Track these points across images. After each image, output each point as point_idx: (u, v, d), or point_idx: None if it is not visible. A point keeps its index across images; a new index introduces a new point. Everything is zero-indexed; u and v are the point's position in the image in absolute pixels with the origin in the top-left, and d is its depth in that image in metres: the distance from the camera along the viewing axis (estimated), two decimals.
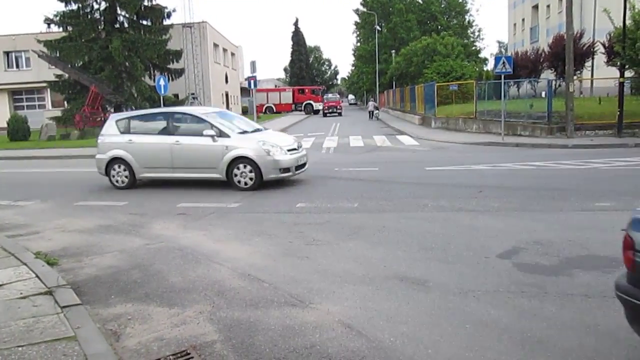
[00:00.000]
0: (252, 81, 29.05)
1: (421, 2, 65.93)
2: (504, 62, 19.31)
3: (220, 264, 6.12)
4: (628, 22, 17.95)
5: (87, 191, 11.99)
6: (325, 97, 59.81)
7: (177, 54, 38.99)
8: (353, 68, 79.02)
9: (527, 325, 4.17)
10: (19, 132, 30.55)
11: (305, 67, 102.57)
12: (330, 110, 53.81)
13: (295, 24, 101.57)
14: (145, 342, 4.18)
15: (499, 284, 5.07)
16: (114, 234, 7.80)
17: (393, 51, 57.22)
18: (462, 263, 5.75)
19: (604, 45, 24.51)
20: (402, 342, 3.98)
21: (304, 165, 11.64)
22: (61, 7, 38.25)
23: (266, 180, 10.83)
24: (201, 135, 10.97)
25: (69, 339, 4.04)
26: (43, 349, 3.88)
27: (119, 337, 4.30)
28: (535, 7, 43.97)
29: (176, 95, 40.32)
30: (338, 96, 63.39)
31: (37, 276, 5.54)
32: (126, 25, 37.86)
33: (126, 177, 11.72)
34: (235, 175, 10.80)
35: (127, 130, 11.89)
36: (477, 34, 66.86)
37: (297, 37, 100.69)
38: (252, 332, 4.25)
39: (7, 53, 46.05)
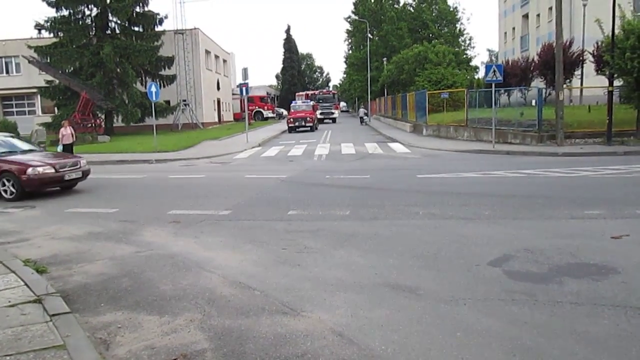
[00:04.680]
0: (243, 88, 29.14)
1: (412, 10, 66.38)
2: (494, 71, 19.46)
3: (211, 271, 6.09)
4: (617, 31, 18.17)
5: (77, 198, 11.91)
6: (292, 103, 43.69)
7: (169, 61, 38.98)
8: (345, 75, 79.25)
9: (517, 333, 4.19)
10: None
11: (297, 74, 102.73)
12: (297, 124, 36.95)
13: (287, 31, 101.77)
14: (136, 350, 4.15)
15: (489, 292, 5.09)
16: (105, 241, 7.75)
17: (384, 59, 57.50)
18: (453, 271, 5.77)
19: (592, 54, 24.77)
20: (393, 350, 3.98)
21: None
22: (52, 12, 38.22)
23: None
24: None
25: (58, 347, 4.01)
26: (31, 358, 3.85)
27: (108, 346, 4.26)
28: (526, 16, 44.43)
29: (167, 102, 40.23)
30: (311, 102, 44.49)
31: (26, 284, 5.50)
32: (118, 31, 37.85)
33: None
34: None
35: None
36: (468, 42, 67.29)
37: (289, 44, 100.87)
38: (243, 341, 4.23)
39: None
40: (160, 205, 10.41)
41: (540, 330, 4.21)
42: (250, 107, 63.73)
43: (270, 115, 64.38)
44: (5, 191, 12.02)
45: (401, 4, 67.17)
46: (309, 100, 47.08)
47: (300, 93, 71.29)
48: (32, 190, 12.12)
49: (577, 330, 4.20)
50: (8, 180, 11.96)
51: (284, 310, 4.85)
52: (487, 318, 4.49)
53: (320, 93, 58.27)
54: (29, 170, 11.87)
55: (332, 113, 50.19)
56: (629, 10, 19.16)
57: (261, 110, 64.01)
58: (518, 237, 7.02)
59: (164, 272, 6.13)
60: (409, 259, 6.29)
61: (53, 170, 12.21)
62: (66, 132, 22.65)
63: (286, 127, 38.12)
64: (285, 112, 63.78)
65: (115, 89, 36.85)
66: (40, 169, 12.00)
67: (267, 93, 76.01)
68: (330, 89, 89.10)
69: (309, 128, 36.97)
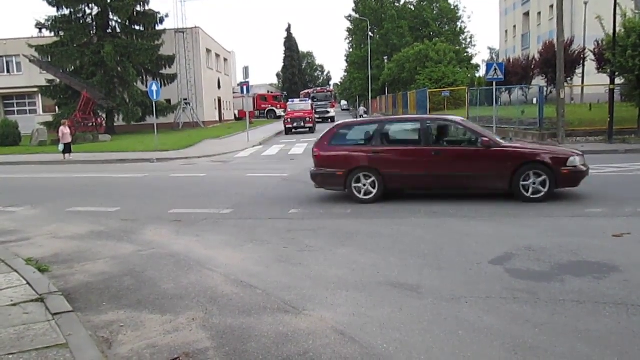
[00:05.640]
0: (244, 87, 29.19)
1: (413, 8, 66.31)
2: (495, 69, 19.47)
3: (212, 270, 6.10)
4: (618, 29, 18.14)
5: (78, 197, 11.92)
6: (288, 102, 40.95)
7: (170, 60, 39.00)
8: (345, 74, 79.24)
9: (519, 331, 4.19)
10: (9, 137, 30.34)
11: (298, 72, 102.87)
12: (295, 125, 34.08)
13: (288, 29, 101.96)
14: (138, 349, 4.16)
15: (491, 290, 5.08)
16: (106, 240, 7.76)
17: (385, 57, 57.48)
18: (454, 269, 5.77)
19: (594, 52, 24.75)
20: (395, 349, 3.98)
21: None
22: (53, 11, 38.28)
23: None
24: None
25: (61, 346, 4.01)
26: (34, 357, 3.85)
27: (111, 345, 4.27)
28: (527, 14, 44.38)
29: (168, 101, 40.23)
30: (309, 101, 40.81)
31: (28, 283, 5.50)
32: (118, 30, 37.89)
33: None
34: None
35: None
36: (469, 40, 67.32)
37: (290, 43, 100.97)
38: (244, 339, 4.24)
39: None
40: (162, 204, 10.42)
41: (542, 329, 4.21)
42: (263, 106, 63.92)
43: (283, 113, 64.49)
44: (537, 191, 9.18)
45: (402, 2, 67.10)
46: (307, 99, 43.72)
47: (304, 92, 71.30)
48: (568, 186, 9.60)
49: (578, 328, 4.20)
50: (537, 175, 9.17)
51: (286, 308, 4.86)
52: (489, 316, 4.49)
53: (315, 91, 56.04)
54: (570, 160, 9.33)
55: (328, 112, 48.37)
56: (629, 9, 19.12)
57: (274, 108, 64.30)
58: (519, 236, 7.02)
59: (165, 271, 6.14)
60: (410, 257, 6.30)
61: (584, 161, 9.66)
62: (66, 131, 22.75)
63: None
64: None
65: (116, 88, 36.87)
66: (578, 159, 9.46)
67: (269, 91, 76.01)
68: (331, 87, 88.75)
69: (308, 129, 33.98)
